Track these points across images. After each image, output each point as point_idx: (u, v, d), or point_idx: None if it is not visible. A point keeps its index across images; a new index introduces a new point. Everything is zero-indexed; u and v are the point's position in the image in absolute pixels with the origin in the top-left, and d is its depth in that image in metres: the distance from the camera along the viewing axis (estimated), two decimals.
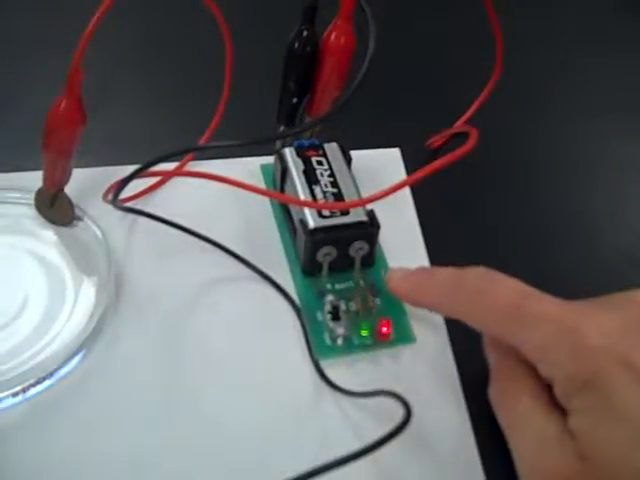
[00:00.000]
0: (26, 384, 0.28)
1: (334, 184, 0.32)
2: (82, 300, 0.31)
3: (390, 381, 0.29)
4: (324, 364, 0.30)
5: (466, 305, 0.27)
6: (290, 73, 0.33)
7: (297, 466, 0.24)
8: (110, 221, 0.34)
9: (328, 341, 0.30)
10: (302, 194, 0.32)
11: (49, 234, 0.33)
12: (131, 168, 0.31)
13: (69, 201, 0.33)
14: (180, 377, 0.30)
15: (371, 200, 0.29)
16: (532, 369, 0.26)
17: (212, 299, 0.32)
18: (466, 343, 0.30)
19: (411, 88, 0.42)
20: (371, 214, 0.31)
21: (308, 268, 0.32)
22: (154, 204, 0.35)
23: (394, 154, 0.38)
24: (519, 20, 0.45)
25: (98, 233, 0.33)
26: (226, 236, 0.33)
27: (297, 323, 0.31)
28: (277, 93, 0.34)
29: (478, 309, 0.27)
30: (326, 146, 0.34)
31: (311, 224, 0.31)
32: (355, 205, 0.31)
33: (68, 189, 0.33)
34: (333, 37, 0.32)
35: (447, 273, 0.28)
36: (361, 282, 0.32)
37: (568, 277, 0.34)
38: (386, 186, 0.29)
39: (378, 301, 0.32)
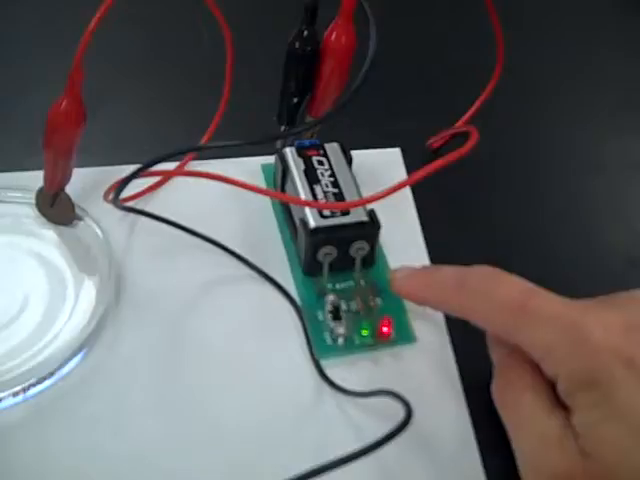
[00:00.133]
0: (26, 384, 0.28)
1: (335, 184, 0.32)
2: (82, 300, 0.31)
3: (391, 381, 0.29)
4: (325, 364, 0.30)
5: (470, 303, 0.27)
6: (291, 73, 0.33)
7: (297, 466, 0.24)
8: (111, 221, 0.34)
9: (329, 341, 0.30)
10: (303, 194, 0.32)
11: (50, 234, 0.33)
12: (132, 168, 0.31)
13: (70, 201, 0.33)
14: (180, 377, 0.30)
15: (372, 200, 0.29)
16: (535, 367, 0.26)
17: (213, 299, 0.32)
18: (467, 343, 0.30)
19: (412, 88, 0.42)
20: (372, 214, 0.31)
21: (309, 268, 0.32)
22: (155, 204, 0.35)
23: (395, 154, 0.38)
24: (519, 20, 0.45)
25: (99, 233, 0.33)
26: (227, 236, 0.33)
27: (298, 323, 0.31)
28: (277, 93, 0.34)
29: (482, 307, 0.27)
30: (327, 146, 0.34)
31: (312, 224, 0.31)
32: (356, 205, 0.31)
33: (69, 189, 0.33)
34: (334, 37, 0.31)
35: (451, 271, 0.28)
36: (362, 282, 0.32)
37: (568, 277, 0.34)
38: (387, 186, 0.29)
39: (379, 301, 0.32)
